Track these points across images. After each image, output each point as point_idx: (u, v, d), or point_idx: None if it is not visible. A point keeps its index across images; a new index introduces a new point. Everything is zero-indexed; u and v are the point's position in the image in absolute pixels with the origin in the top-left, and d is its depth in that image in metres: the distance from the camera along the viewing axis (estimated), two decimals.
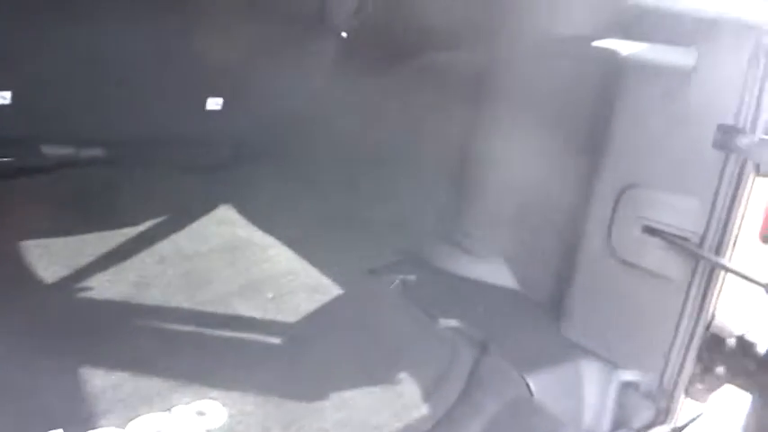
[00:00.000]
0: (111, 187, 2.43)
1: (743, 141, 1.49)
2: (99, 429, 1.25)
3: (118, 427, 1.27)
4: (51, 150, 2.52)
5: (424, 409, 1.46)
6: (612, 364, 1.72)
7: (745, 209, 1.55)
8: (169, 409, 1.33)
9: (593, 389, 1.66)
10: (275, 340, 1.62)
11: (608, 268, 1.74)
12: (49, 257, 1.87)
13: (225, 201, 2.45)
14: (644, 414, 1.66)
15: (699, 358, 1.61)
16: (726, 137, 1.51)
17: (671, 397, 1.65)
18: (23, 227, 2.02)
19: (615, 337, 1.75)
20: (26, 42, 2.21)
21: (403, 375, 1.54)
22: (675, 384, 1.63)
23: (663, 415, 1.67)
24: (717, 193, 1.53)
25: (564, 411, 1.58)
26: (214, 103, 2.73)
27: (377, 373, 1.53)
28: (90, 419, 1.27)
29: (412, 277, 2.09)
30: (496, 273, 2.08)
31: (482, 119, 2.09)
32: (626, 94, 1.70)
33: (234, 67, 2.66)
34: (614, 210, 1.71)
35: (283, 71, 2.77)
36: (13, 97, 2.30)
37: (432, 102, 2.30)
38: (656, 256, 1.65)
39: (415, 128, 2.36)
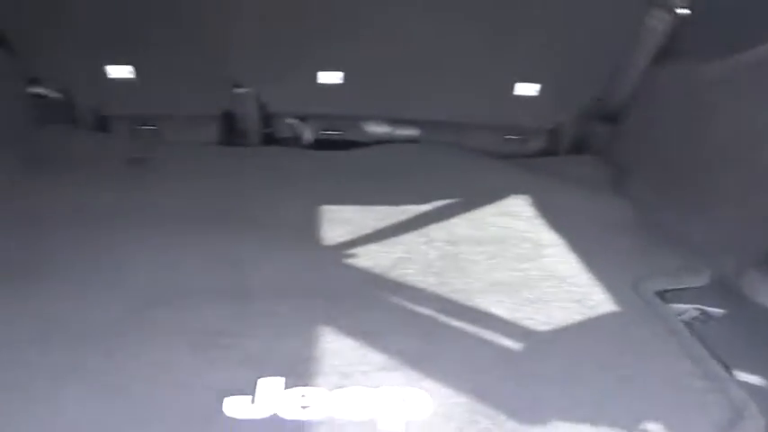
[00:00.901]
0: (415, 166, 2.52)
1: None
2: (310, 387, 1.28)
3: (328, 389, 1.28)
4: (372, 128, 2.74)
5: None
6: None
7: None
8: (377, 387, 1.29)
9: None
10: (512, 347, 1.45)
11: None
12: (334, 222, 2.02)
13: (517, 191, 2.31)
14: None
15: None
16: None
17: None
18: (324, 192, 2.23)
19: None
20: (359, 25, 2.42)
21: None
22: None
23: None
24: None
25: None
26: (527, 89, 2.60)
27: (617, 424, 1.23)
28: (307, 376, 1.31)
29: (716, 311, 1.65)
30: None
31: None
32: None
33: (551, 51, 2.49)
34: None
35: (608, 54, 2.48)
36: (345, 77, 2.55)
37: None
38: None
39: (748, 129, 1.86)
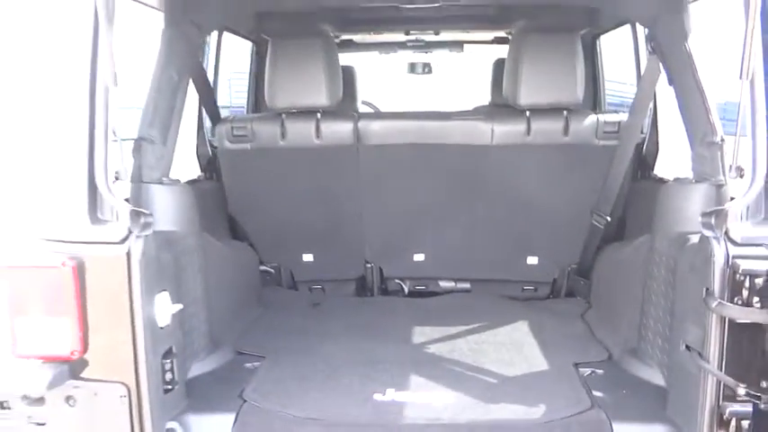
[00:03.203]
0: (466, 307, 4.41)
1: None
2: (403, 392, 3.14)
3: (411, 392, 3.13)
4: (443, 283, 4.74)
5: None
6: None
7: None
8: (431, 390, 3.13)
9: None
10: (491, 381, 3.25)
11: None
12: (420, 334, 3.93)
13: (520, 320, 4.13)
14: None
15: None
16: None
17: None
18: (415, 319, 4.16)
19: None
20: (437, 230, 4.51)
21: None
22: None
23: None
24: None
25: None
26: (532, 260, 4.51)
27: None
28: (404, 387, 3.17)
29: (600, 371, 3.37)
30: None
31: None
32: None
33: (543, 240, 4.42)
34: None
35: (574, 242, 4.40)
36: (425, 256, 4.60)
37: None
38: None
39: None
